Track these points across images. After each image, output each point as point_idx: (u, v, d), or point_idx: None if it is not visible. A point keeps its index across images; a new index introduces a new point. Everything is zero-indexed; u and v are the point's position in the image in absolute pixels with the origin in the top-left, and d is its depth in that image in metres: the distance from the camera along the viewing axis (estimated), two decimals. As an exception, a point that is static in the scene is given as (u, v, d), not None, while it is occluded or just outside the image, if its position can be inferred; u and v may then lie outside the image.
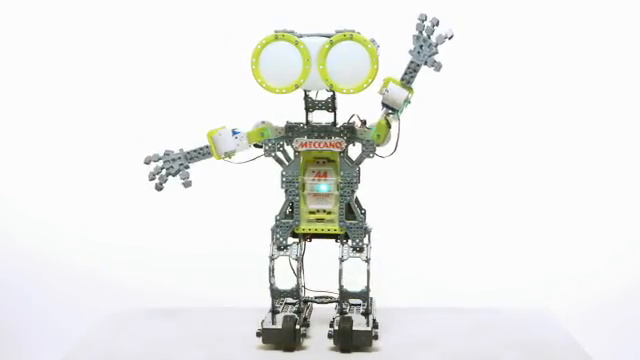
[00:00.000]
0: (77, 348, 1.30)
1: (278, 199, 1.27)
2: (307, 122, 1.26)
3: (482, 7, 1.86)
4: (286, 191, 1.26)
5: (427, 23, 1.18)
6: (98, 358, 1.25)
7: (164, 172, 1.26)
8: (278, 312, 1.28)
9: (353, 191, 1.26)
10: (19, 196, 1.97)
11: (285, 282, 1.27)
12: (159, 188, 1.27)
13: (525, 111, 1.91)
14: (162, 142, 1.27)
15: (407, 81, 1.21)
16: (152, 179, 1.26)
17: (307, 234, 1.28)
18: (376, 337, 1.24)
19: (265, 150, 1.26)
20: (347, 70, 1.19)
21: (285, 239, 1.27)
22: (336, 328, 1.23)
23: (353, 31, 1.19)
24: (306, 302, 1.35)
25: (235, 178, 1.51)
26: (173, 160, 1.26)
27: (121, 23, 1.93)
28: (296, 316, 1.25)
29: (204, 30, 1.88)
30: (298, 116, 1.26)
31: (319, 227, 1.27)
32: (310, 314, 1.35)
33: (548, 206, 1.92)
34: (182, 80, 1.88)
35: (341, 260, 1.25)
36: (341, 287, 1.26)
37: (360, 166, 1.25)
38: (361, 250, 1.26)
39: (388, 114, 1.23)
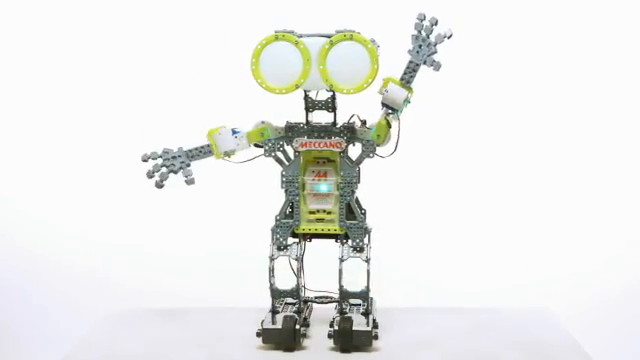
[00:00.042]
0: (77, 348, 1.30)
1: (278, 199, 1.27)
2: (307, 122, 1.26)
3: (481, 6, 1.86)
4: (286, 191, 1.26)
5: (426, 22, 1.18)
6: (98, 358, 1.25)
7: (165, 169, 1.26)
8: (278, 312, 1.28)
9: (353, 191, 1.26)
10: (19, 196, 1.97)
11: (285, 282, 1.27)
12: (160, 185, 1.26)
13: (525, 111, 1.91)
14: (162, 142, 1.27)
15: (407, 81, 1.21)
16: (151, 176, 1.26)
17: (307, 234, 1.28)
18: (376, 337, 1.24)
19: (265, 150, 1.26)
20: (347, 70, 1.19)
21: (285, 239, 1.27)
22: (336, 328, 1.23)
23: (353, 31, 1.19)
24: (306, 302, 1.35)
25: (235, 178, 1.51)
26: (173, 158, 1.26)
27: (121, 23, 1.93)
28: (296, 316, 1.25)
29: (204, 30, 1.88)
30: (298, 116, 1.26)
31: (319, 227, 1.27)
32: (310, 314, 1.35)
33: (548, 206, 1.92)
34: (182, 80, 1.88)
35: (341, 260, 1.25)
36: (341, 287, 1.26)
37: (360, 166, 1.25)
38: (361, 250, 1.26)
39: (388, 114, 1.23)
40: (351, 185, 1.25)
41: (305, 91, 1.24)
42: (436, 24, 1.18)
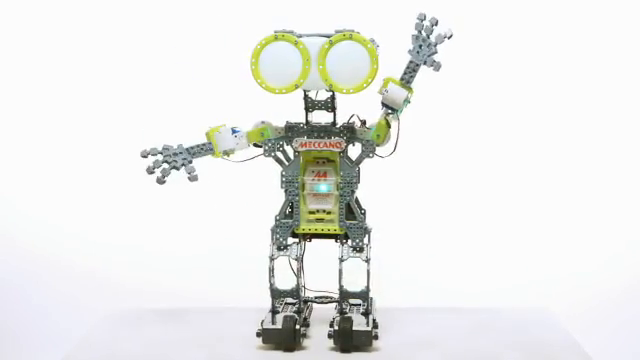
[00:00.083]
0: (77, 348, 1.30)
1: (278, 199, 1.27)
2: (307, 122, 1.26)
3: (481, 6, 1.86)
4: (286, 191, 1.26)
5: (426, 23, 1.18)
6: (98, 358, 1.25)
7: (167, 166, 1.25)
8: (278, 312, 1.28)
9: (353, 191, 1.26)
10: (19, 196, 1.97)
11: (285, 282, 1.27)
12: (161, 182, 1.26)
13: (525, 111, 1.91)
14: (162, 142, 1.27)
15: (406, 81, 1.21)
16: (151, 172, 1.25)
17: (307, 234, 1.28)
18: (376, 337, 1.24)
19: (265, 150, 1.26)
20: (347, 70, 1.19)
21: (285, 239, 1.27)
22: (336, 328, 1.23)
23: (353, 31, 1.18)
24: (306, 302, 1.34)
25: (235, 178, 1.51)
26: (175, 154, 1.25)
27: (121, 23, 1.93)
28: (296, 316, 1.25)
29: (204, 30, 1.88)
30: (298, 116, 1.26)
31: (319, 227, 1.27)
32: (310, 314, 1.35)
33: (548, 206, 1.92)
34: (182, 80, 1.88)
35: (341, 260, 1.25)
36: (341, 287, 1.26)
37: (360, 166, 1.25)
38: (361, 250, 1.26)
39: (388, 114, 1.23)
40: (351, 185, 1.25)
41: (305, 91, 1.24)
42: (436, 24, 1.18)
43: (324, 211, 1.26)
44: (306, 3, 1.79)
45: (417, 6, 1.20)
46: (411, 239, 1.82)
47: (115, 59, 1.93)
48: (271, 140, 1.26)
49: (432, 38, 1.18)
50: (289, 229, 1.27)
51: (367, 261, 1.25)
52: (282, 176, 1.26)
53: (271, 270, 1.26)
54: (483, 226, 1.90)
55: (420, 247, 1.85)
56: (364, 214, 1.27)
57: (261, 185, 1.34)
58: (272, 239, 1.27)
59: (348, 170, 1.25)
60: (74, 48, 1.95)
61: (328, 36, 1.19)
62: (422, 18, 1.18)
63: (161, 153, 1.25)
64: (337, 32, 1.19)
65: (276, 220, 1.27)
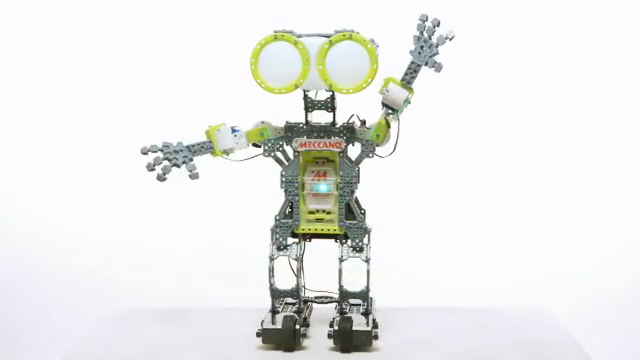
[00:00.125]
0: (77, 348, 1.30)
1: (278, 199, 1.27)
2: (306, 122, 1.26)
3: (481, 8, 1.86)
4: (285, 191, 1.26)
5: (428, 24, 1.18)
6: (98, 358, 1.25)
7: (167, 163, 1.25)
8: (278, 312, 1.28)
9: (352, 191, 1.26)
10: (19, 196, 1.97)
11: (285, 282, 1.27)
12: (162, 179, 1.25)
13: (525, 111, 1.91)
14: (162, 141, 1.27)
15: (407, 81, 1.21)
16: (152, 169, 1.25)
17: (307, 234, 1.28)
18: (376, 337, 1.24)
19: (264, 150, 1.26)
20: (346, 70, 1.19)
21: (285, 239, 1.27)
22: (336, 328, 1.23)
23: (352, 31, 1.18)
24: (306, 302, 1.34)
25: (235, 178, 1.51)
26: (175, 152, 1.25)
27: (121, 23, 1.93)
28: (296, 316, 1.25)
29: (204, 30, 1.88)
30: (297, 116, 1.26)
31: (319, 227, 1.27)
32: (310, 314, 1.35)
33: (548, 206, 1.92)
34: (182, 80, 1.88)
35: (341, 260, 1.25)
36: (341, 287, 1.26)
37: (359, 166, 1.25)
38: (361, 250, 1.26)
39: (388, 114, 1.23)
40: (350, 185, 1.25)
41: (304, 91, 1.24)
42: (438, 25, 1.18)
43: (324, 211, 1.26)
44: (306, 3, 1.79)
45: (417, 6, 1.20)
46: (411, 239, 1.82)
47: (115, 59, 1.93)
48: (271, 140, 1.26)
49: (434, 39, 1.18)
50: (289, 229, 1.27)
51: (367, 261, 1.25)
52: (282, 176, 1.26)
53: (271, 270, 1.26)
54: (483, 226, 1.90)
55: (420, 247, 1.85)
56: (364, 214, 1.27)
57: (261, 185, 1.34)
58: (272, 239, 1.27)
59: (348, 170, 1.25)
60: (74, 48, 1.95)
61: (328, 36, 1.19)
62: (424, 19, 1.18)
63: (161, 150, 1.25)
64: (337, 32, 1.19)
65: (276, 220, 1.27)
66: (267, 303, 1.28)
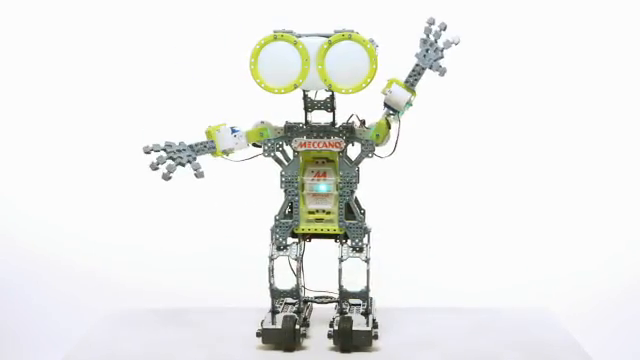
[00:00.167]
0: (77, 348, 1.30)
1: (278, 199, 1.27)
2: (306, 122, 1.26)
3: (482, 10, 1.86)
4: (285, 191, 1.26)
5: (435, 27, 1.18)
6: (98, 358, 1.25)
7: (172, 162, 1.24)
8: (278, 312, 1.28)
9: (352, 191, 1.26)
10: (19, 196, 1.97)
11: (285, 282, 1.27)
12: (167, 178, 1.24)
13: (525, 112, 1.91)
14: (163, 141, 1.27)
15: (411, 83, 1.21)
16: (155, 169, 1.24)
17: (306, 234, 1.28)
18: (376, 337, 1.24)
19: (264, 150, 1.26)
20: (346, 70, 1.19)
21: (285, 239, 1.27)
22: (336, 328, 1.23)
23: (352, 31, 1.18)
24: (306, 302, 1.34)
25: (235, 178, 1.51)
26: (179, 151, 1.25)
27: (121, 23, 1.93)
28: (296, 316, 1.25)
29: (204, 30, 1.88)
30: (297, 116, 1.26)
31: (318, 227, 1.27)
32: (310, 314, 1.35)
33: (548, 206, 1.92)
34: (182, 80, 1.88)
35: (341, 260, 1.25)
36: (341, 287, 1.26)
37: (359, 166, 1.25)
38: (361, 250, 1.26)
39: (389, 115, 1.23)
40: (350, 185, 1.25)
41: (304, 91, 1.24)
42: (445, 29, 1.18)
43: (323, 211, 1.26)
44: (306, 3, 1.79)
45: (417, 7, 1.20)
46: (411, 239, 1.82)
47: (116, 59, 1.93)
48: (270, 140, 1.26)
49: (440, 43, 1.18)
50: (289, 229, 1.27)
51: (367, 261, 1.25)
52: (282, 176, 1.26)
53: (271, 270, 1.26)
54: (483, 226, 1.90)
55: (420, 247, 1.85)
56: (364, 214, 1.27)
57: (261, 185, 1.34)
58: (272, 239, 1.27)
59: (347, 170, 1.25)
60: (75, 48, 1.95)
61: (327, 36, 1.19)
62: (431, 22, 1.18)
63: (164, 149, 1.24)
64: (336, 32, 1.19)
65: (276, 220, 1.27)
66: (267, 303, 1.28)
